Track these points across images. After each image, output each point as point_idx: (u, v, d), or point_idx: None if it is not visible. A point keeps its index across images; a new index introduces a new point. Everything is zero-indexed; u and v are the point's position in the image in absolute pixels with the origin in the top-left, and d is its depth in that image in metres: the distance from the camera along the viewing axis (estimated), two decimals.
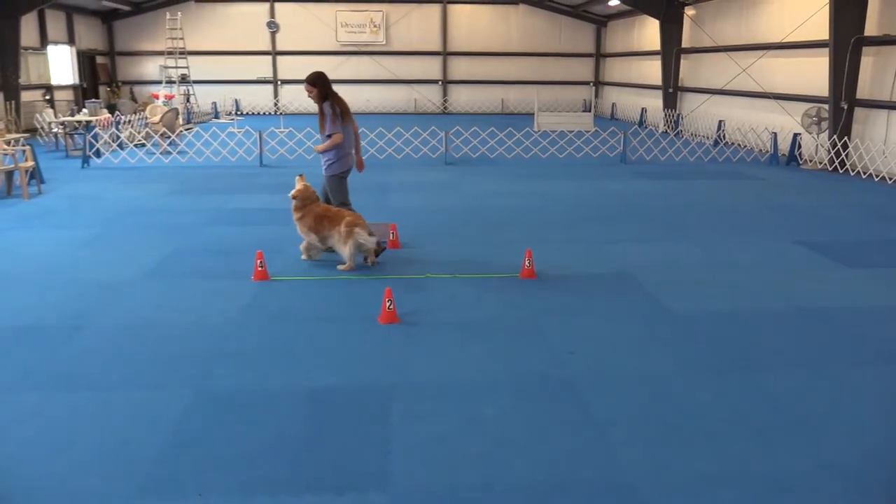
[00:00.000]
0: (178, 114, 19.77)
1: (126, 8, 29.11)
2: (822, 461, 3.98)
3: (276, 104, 30.98)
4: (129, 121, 19.51)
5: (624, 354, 5.45)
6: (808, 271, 7.77)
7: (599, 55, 32.80)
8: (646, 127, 25.39)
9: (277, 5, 30.78)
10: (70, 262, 7.90)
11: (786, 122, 17.60)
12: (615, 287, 7.13)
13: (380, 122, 22.18)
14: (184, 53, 26.71)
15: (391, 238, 8.59)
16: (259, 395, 4.71)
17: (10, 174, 11.88)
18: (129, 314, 6.23)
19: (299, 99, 31.28)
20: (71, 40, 26.64)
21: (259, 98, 31.14)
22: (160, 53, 28.01)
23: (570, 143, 17.81)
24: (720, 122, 20.14)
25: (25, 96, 21.65)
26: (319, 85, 7.79)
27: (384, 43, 31.44)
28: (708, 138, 20.26)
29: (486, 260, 8.05)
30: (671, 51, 23.58)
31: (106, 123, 18.07)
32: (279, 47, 31.13)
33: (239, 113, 29.93)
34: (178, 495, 3.62)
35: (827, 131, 15.51)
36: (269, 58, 31.16)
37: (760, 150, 18.34)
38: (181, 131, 18.78)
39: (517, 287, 7.06)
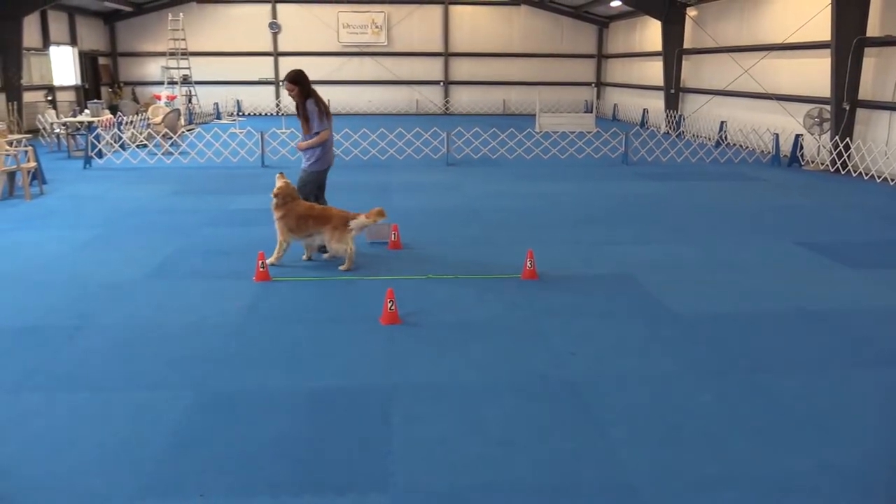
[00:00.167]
0: (179, 114, 19.79)
1: (128, 9, 29.14)
2: (824, 462, 3.97)
3: (277, 105, 31.01)
4: (131, 121, 19.53)
5: (625, 355, 5.45)
6: (810, 272, 7.76)
7: (601, 56, 32.79)
8: (647, 128, 25.39)
9: (279, 6, 30.82)
10: (72, 262, 7.91)
11: (787, 123, 17.59)
12: (617, 288, 7.13)
13: (381, 122, 22.20)
14: (186, 54, 26.74)
15: (393, 239, 8.59)
16: (260, 396, 4.71)
17: (12, 175, 11.89)
18: (131, 314, 6.23)
19: None
20: (73, 41, 26.67)
21: (261, 99, 31.17)
22: (162, 54, 28.04)
23: (572, 144, 17.81)
24: (722, 122, 20.13)
25: (27, 97, 21.68)
26: (301, 83, 7.85)
27: (386, 44, 31.46)
28: (710, 139, 20.25)
29: (487, 261, 8.05)
30: (673, 52, 23.57)
31: (108, 124, 18.09)
32: (281, 48, 31.16)
33: (241, 114, 29.96)
34: (179, 495, 3.62)
35: (829, 132, 15.49)
36: (271, 59, 31.18)
37: (762, 151, 18.33)
38: (183, 132, 18.80)
39: (519, 288, 7.06)
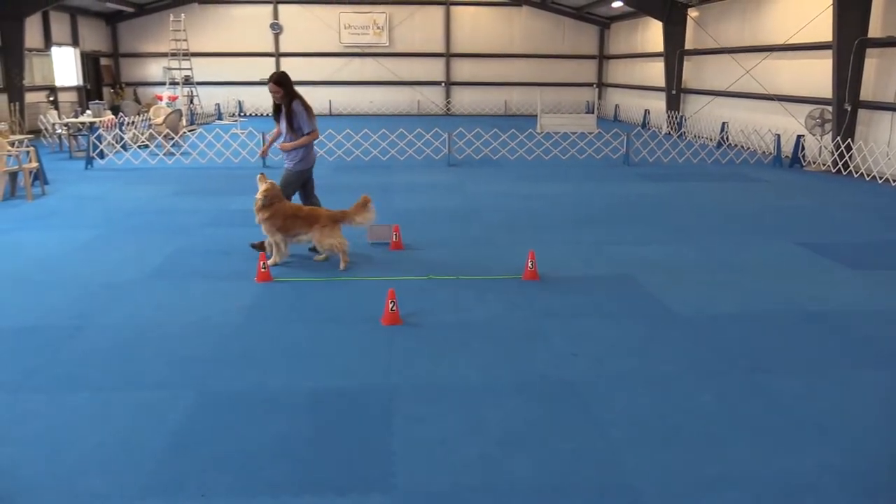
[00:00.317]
0: (181, 115, 19.81)
1: (130, 9, 29.17)
2: (824, 462, 3.97)
3: None
4: (133, 122, 19.56)
5: (626, 355, 5.45)
6: (811, 273, 7.76)
7: (603, 57, 32.79)
8: (649, 128, 25.39)
9: (281, 7, 30.85)
10: (73, 262, 7.92)
11: (789, 124, 17.58)
12: (618, 289, 7.12)
13: (383, 123, 22.21)
14: (187, 55, 26.78)
15: (394, 239, 8.60)
16: (261, 396, 4.71)
17: (14, 175, 11.91)
18: (132, 314, 6.24)
19: None
20: (75, 42, 26.70)
21: (262, 99, 31.08)
22: (164, 55, 28.08)
23: (574, 145, 17.80)
24: (723, 123, 20.12)
25: (29, 97, 21.70)
26: (286, 85, 7.90)
27: (387, 45, 31.48)
28: (711, 140, 20.24)
29: (488, 261, 8.05)
30: (674, 52, 23.57)
31: (109, 125, 18.12)
32: (282, 49, 31.19)
33: (242, 114, 29.99)
34: (180, 496, 3.63)
35: (830, 133, 15.48)
36: (273, 59, 31.19)
37: (764, 152, 18.32)
38: (184, 132, 18.82)
39: (520, 288, 7.06)
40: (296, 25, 30.89)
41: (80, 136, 17.83)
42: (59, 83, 25.07)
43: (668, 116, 23.94)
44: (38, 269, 7.63)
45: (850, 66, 14.64)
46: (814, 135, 15.81)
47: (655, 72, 25.87)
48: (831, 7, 14.91)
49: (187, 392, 4.75)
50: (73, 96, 26.26)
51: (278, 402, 4.63)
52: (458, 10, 31.66)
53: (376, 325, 6.00)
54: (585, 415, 4.51)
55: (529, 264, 7.38)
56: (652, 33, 26.34)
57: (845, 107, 14.89)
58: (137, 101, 28.70)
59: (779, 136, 16.93)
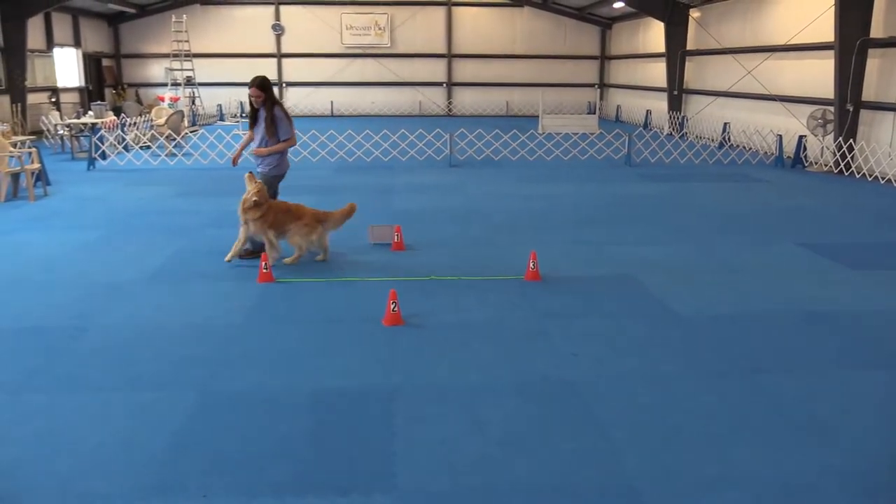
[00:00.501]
0: (183, 116, 19.83)
1: (132, 10, 29.21)
2: (825, 463, 3.97)
3: None
4: (135, 123, 19.58)
5: (627, 356, 5.45)
6: (812, 274, 7.75)
7: (604, 57, 32.79)
8: (651, 129, 25.38)
9: (282, 8, 30.87)
10: (75, 263, 7.93)
11: (791, 125, 17.56)
12: (619, 289, 7.12)
13: (384, 124, 22.21)
14: (189, 56, 26.79)
15: (396, 240, 8.60)
16: (263, 397, 4.72)
17: (16, 176, 11.93)
18: (134, 315, 6.25)
19: (304, 101, 31.42)
20: (77, 43, 26.74)
21: None
22: (165, 56, 28.10)
23: (575, 146, 17.80)
24: (725, 124, 20.10)
25: (31, 98, 21.75)
26: (268, 90, 7.99)
27: (389, 45, 31.50)
28: (713, 140, 20.22)
29: (490, 262, 8.05)
30: (676, 53, 23.56)
31: (111, 125, 18.13)
32: (284, 50, 31.22)
33: (244, 115, 29.99)
34: (182, 496, 3.63)
35: (832, 133, 15.47)
36: (274, 60, 31.23)
37: (765, 153, 18.31)
38: (186, 133, 18.84)
39: (521, 289, 7.06)
40: (297, 26, 30.92)
41: (81, 137, 17.86)
42: (61, 84, 25.11)
43: (670, 117, 23.93)
44: (39, 269, 7.64)
45: (852, 66, 14.62)
46: (815, 135, 15.80)
47: (657, 72, 25.85)
48: (833, 7, 14.90)
49: (188, 392, 4.75)
50: (75, 97, 26.29)
51: (279, 403, 4.63)
52: (459, 11, 31.67)
53: (378, 326, 6.01)
54: (586, 415, 4.51)
55: (531, 265, 7.38)
56: (653, 34, 26.33)
57: (847, 107, 14.87)
58: (139, 101, 28.73)
59: (780, 136, 16.91)
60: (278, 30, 30.91)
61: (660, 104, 25.54)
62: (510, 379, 5.03)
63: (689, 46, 23.48)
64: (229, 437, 4.20)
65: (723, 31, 21.47)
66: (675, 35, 23.42)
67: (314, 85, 31.53)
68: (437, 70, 32.11)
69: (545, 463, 3.96)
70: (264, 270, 7.25)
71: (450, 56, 31.94)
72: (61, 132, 18.47)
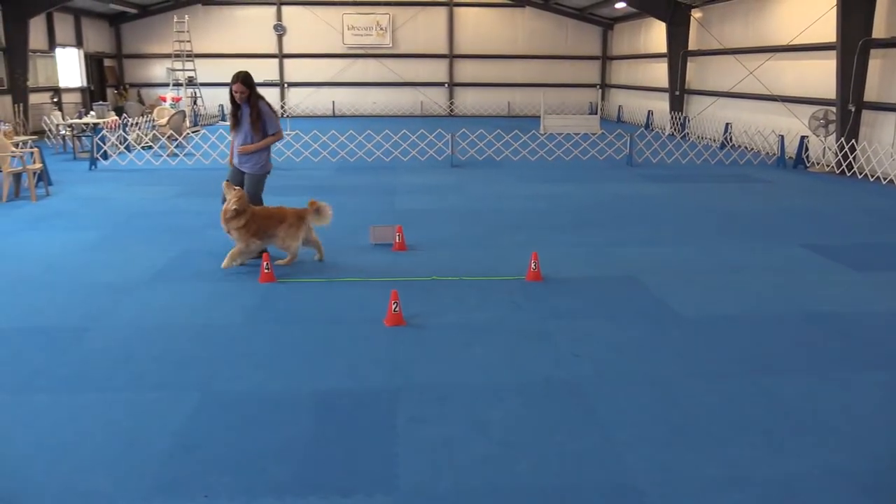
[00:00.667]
0: (184, 116, 19.84)
1: (133, 11, 29.23)
2: (828, 465, 3.96)
3: (282, 107, 31.05)
4: (137, 123, 19.60)
5: (630, 357, 5.44)
6: (815, 275, 7.74)
7: (606, 58, 32.77)
8: (652, 129, 25.37)
9: (284, 8, 30.88)
10: (77, 263, 7.93)
11: (793, 125, 17.55)
12: (621, 290, 7.12)
13: (386, 124, 22.22)
14: (191, 56, 26.81)
15: (397, 240, 8.59)
16: (265, 398, 4.72)
17: (18, 176, 11.94)
18: (137, 316, 6.25)
19: (306, 101, 31.43)
20: (79, 43, 26.76)
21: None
22: (167, 56, 28.11)
23: (577, 146, 17.80)
24: (727, 124, 20.10)
25: (33, 98, 21.77)
26: (252, 86, 7.79)
27: (390, 46, 31.49)
28: (715, 141, 20.22)
29: (492, 262, 8.05)
30: (678, 53, 23.55)
31: (113, 126, 18.15)
32: (286, 50, 31.23)
33: None
34: (184, 497, 3.63)
35: (834, 134, 15.45)
36: (276, 60, 31.25)
37: (767, 153, 18.30)
38: (188, 133, 18.85)
39: (523, 290, 7.06)
40: (299, 27, 30.93)
41: (83, 137, 17.86)
42: (62, 84, 25.13)
43: (672, 117, 23.92)
44: (41, 269, 7.64)
45: (854, 66, 14.61)
46: (817, 136, 15.79)
47: (659, 73, 25.85)
48: (835, 8, 14.89)
49: (191, 393, 4.75)
50: (76, 97, 26.31)
51: (281, 403, 4.63)
52: (461, 12, 31.67)
53: (379, 327, 6.00)
54: (589, 416, 4.50)
55: (533, 265, 7.38)
56: (655, 34, 26.32)
57: (849, 108, 14.86)
58: (141, 102, 28.75)
59: (782, 137, 16.90)
60: (280, 30, 30.92)
61: (661, 104, 25.53)
62: (512, 379, 5.03)
63: (691, 47, 23.47)
64: (231, 437, 4.20)
65: (724, 31, 21.46)
66: (677, 35, 23.41)
67: (316, 85, 31.53)
68: (438, 70, 32.11)
69: (547, 464, 3.95)
70: (266, 271, 7.25)
71: (451, 56, 31.94)
72: (63, 132, 18.48)
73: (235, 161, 8.09)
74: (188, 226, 9.83)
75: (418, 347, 5.59)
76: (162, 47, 29.51)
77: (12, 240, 8.97)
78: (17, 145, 13.34)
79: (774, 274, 7.72)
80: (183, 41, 26.58)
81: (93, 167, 15.08)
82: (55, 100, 24.03)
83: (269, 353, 5.48)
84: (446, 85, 32.27)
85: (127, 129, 18.28)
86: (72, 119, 19.25)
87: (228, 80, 7.95)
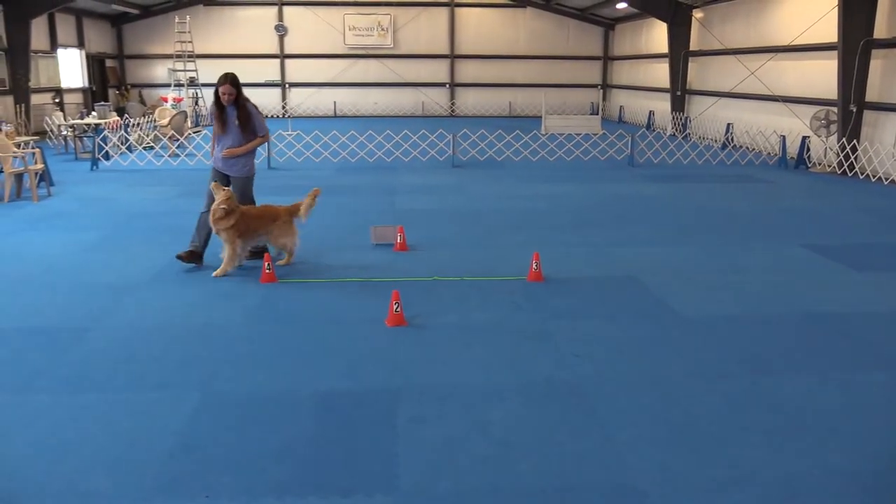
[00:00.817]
0: (186, 116, 19.86)
1: (135, 11, 29.26)
2: (830, 465, 3.96)
3: (283, 107, 31.09)
4: (138, 123, 19.62)
5: (631, 358, 5.44)
6: (816, 275, 7.73)
7: (607, 58, 32.77)
8: (654, 130, 25.35)
9: (285, 9, 30.91)
10: (79, 264, 7.94)
11: (794, 125, 17.54)
12: (622, 290, 7.12)
13: (387, 124, 22.23)
14: (192, 56, 26.84)
15: (398, 241, 8.59)
16: (266, 398, 4.72)
17: (19, 176, 11.95)
18: (137, 316, 6.26)
19: (307, 102, 31.44)
20: (80, 43, 26.80)
21: (267, 101, 31.18)
22: (169, 56, 28.15)
23: (578, 146, 17.79)
24: (728, 124, 20.09)
25: (35, 99, 21.80)
26: (240, 87, 7.67)
27: (392, 46, 31.51)
28: (716, 141, 20.21)
29: (493, 263, 8.04)
30: (679, 53, 23.54)
31: (115, 126, 18.17)
32: (287, 50, 31.25)
33: None
34: (184, 497, 3.63)
35: (836, 134, 15.45)
36: (277, 61, 31.27)
37: (769, 153, 18.28)
38: (189, 134, 18.86)
39: (524, 290, 7.05)
40: (300, 27, 30.95)
41: (85, 138, 17.88)
42: (64, 85, 25.16)
43: (673, 117, 23.92)
44: (42, 269, 7.65)
45: (856, 67, 14.60)
46: (819, 136, 15.78)
47: (660, 73, 25.84)
48: (836, 8, 14.88)
49: (192, 393, 4.76)
50: (78, 98, 26.35)
51: (282, 403, 4.63)
52: (462, 12, 31.68)
53: (380, 327, 6.01)
54: (590, 416, 4.50)
55: (534, 265, 7.38)
56: (656, 34, 26.32)
57: (851, 108, 14.85)
58: (142, 102, 28.77)
59: (784, 137, 16.90)
60: (281, 30, 30.94)
61: (663, 105, 25.52)
62: (513, 380, 5.03)
63: (693, 47, 23.46)
64: (231, 437, 4.20)
65: (726, 31, 21.45)
66: (679, 36, 23.41)
67: (317, 86, 31.56)
68: (439, 71, 32.12)
69: (548, 464, 3.95)
70: (267, 271, 7.25)
71: (452, 57, 31.95)
72: (65, 133, 18.50)
73: (220, 165, 7.93)
74: (189, 226, 9.76)
75: (419, 347, 5.59)
76: (163, 48, 29.55)
77: (13, 240, 8.98)
78: (18, 146, 13.36)
79: (775, 274, 7.71)
80: (184, 42, 26.61)
81: (94, 168, 15.09)
82: (57, 100, 24.06)
83: (269, 353, 5.48)
84: (447, 85, 32.28)
85: (128, 129, 18.30)
86: (73, 119, 19.27)
87: None
